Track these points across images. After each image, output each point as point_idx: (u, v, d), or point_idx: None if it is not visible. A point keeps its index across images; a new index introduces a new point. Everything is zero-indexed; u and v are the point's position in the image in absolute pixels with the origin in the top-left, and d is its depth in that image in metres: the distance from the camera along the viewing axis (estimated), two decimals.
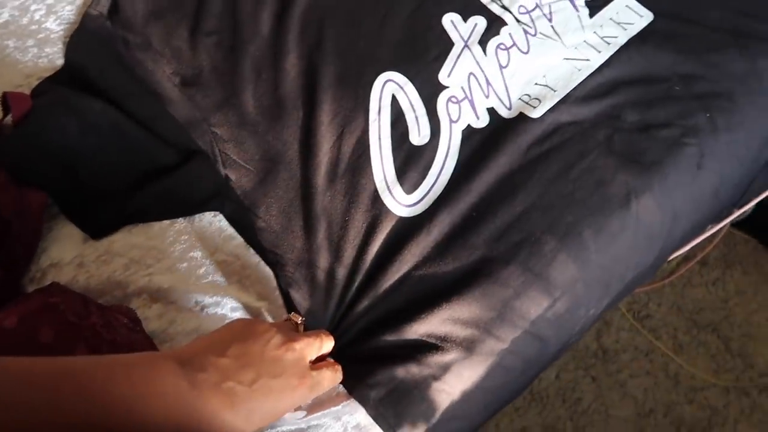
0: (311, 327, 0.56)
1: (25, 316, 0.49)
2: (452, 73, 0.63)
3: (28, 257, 0.57)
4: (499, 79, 0.63)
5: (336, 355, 0.54)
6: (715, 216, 0.69)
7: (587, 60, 0.63)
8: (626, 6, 0.64)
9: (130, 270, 0.58)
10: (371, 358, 0.56)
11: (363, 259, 0.58)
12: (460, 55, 0.63)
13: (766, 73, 0.61)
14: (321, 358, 0.51)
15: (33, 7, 0.69)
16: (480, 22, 0.65)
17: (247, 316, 0.57)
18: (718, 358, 1.15)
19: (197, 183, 0.61)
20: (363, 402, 0.55)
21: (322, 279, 0.58)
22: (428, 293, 0.56)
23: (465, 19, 0.65)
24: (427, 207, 0.59)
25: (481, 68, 0.63)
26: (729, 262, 1.23)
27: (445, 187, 0.60)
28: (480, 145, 0.61)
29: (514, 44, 0.64)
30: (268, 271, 0.59)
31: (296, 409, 0.53)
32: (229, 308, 0.57)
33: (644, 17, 0.64)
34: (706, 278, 1.23)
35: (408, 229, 0.58)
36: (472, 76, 0.63)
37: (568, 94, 0.61)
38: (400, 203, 0.59)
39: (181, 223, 0.61)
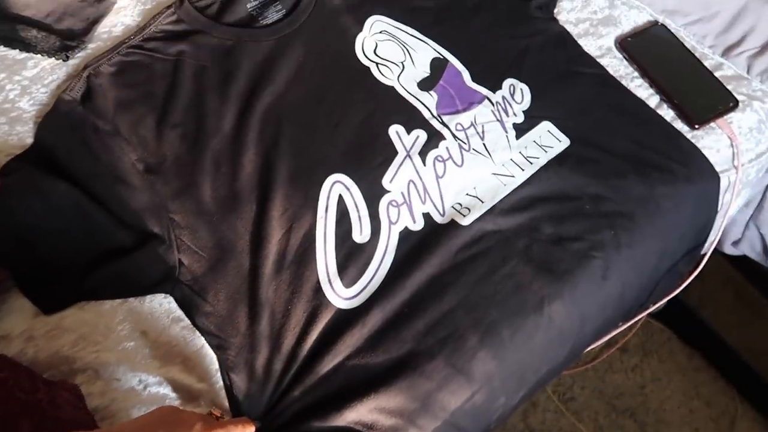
0: (248, 409, 0.60)
1: None
2: (394, 179, 0.70)
3: None
4: (435, 188, 0.71)
5: None
6: (622, 316, 0.77)
7: (512, 176, 0.71)
8: (548, 131, 0.74)
9: (78, 346, 0.61)
10: None
11: (301, 347, 0.62)
12: (402, 163, 0.71)
13: (662, 199, 0.71)
14: None
15: (8, 87, 0.73)
16: (421, 135, 0.73)
17: (188, 397, 0.61)
18: None
19: (151, 266, 0.65)
20: None
21: (261, 364, 0.62)
22: (359, 382, 0.61)
23: (408, 132, 0.73)
24: (363, 301, 0.65)
25: (420, 176, 0.71)
26: (647, 350, 1.33)
27: (381, 283, 0.65)
28: (415, 246, 0.67)
29: (450, 157, 0.72)
30: (211, 354, 0.63)
31: None
32: (170, 389, 0.61)
33: (562, 142, 0.73)
34: (626, 364, 1.31)
35: (344, 320, 0.63)
36: (411, 183, 0.70)
37: (494, 205, 0.69)
38: (339, 296, 0.65)
39: (131, 302, 0.64)
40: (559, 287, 0.66)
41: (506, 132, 0.74)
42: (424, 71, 0.77)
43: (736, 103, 0.78)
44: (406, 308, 0.64)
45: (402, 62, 0.77)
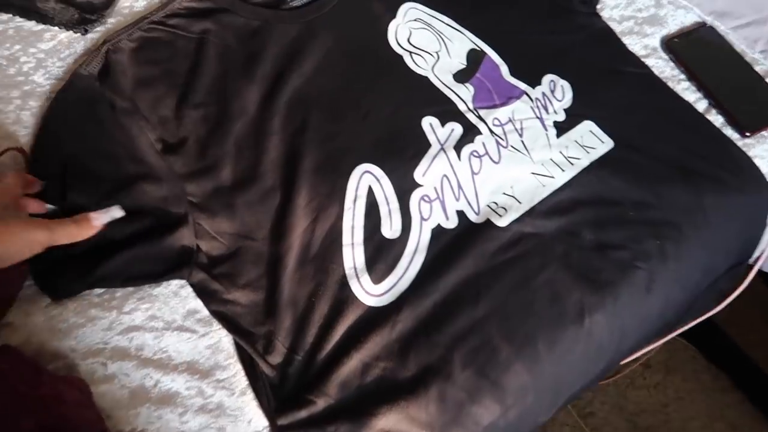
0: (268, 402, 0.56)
1: None
2: (427, 173, 0.66)
3: None
4: (470, 185, 0.66)
5: None
6: (658, 333, 0.73)
7: (552, 177, 0.67)
8: (590, 131, 0.70)
9: (87, 337, 0.57)
10: None
11: (326, 341, 0.59)
12: (435, 156, 0.67)
13: (711, 210, 0.66)
14: None
15: (23, 59, 0.70)
16: (456, 129, 0.69)
17: (201, 394, 0.57)
18: None
19: (167, 250, 0.61)
20: None
21: (282, 356, 0.58)
22: (389, 388, 0.57)
23: (443, 124, 0.69)
24: (393, 299, 0.60)
25: (454, 171, 0.67)
26: (670, 368, 1.28)
27: (412, 283, 0.61)
28: (448, 245, 0.63)
29: (487, 153, 0.68)
30: (228, 348, 0.59)
31: None
32: (184, 386, 0.57)
33: (605, 144, 0.69)
34: (648, 381, 1.27)
35: (373, 319, 0.59)
36: (445, 178, 0.66)
37: (532, 207, 0.65)
38: (367, 292, 0.61)
39: (144, 290, 0.60)
40: (601, 298, 0.61)
41: (546, 130, 0.70)
42: (460, 62, 0.73)
43: None
44: (438, 311, 0.60)
45: (437, 52, 0.73)
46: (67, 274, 0.58)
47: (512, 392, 0.58)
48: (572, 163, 0.68)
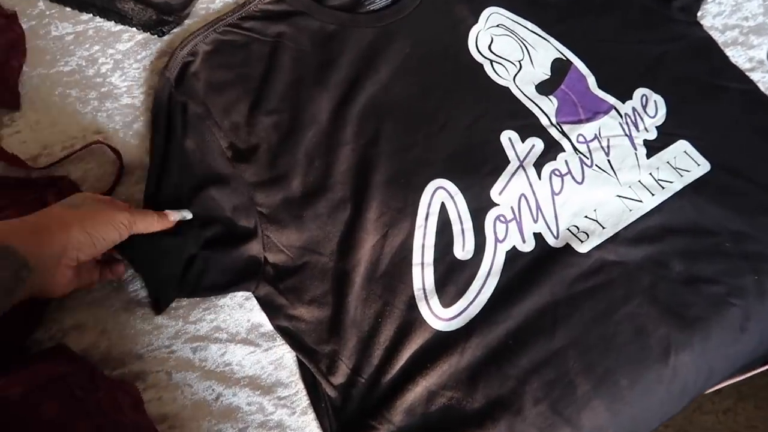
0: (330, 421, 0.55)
1: (31, 388, 0.48)
2: (504, 191, 0.63)
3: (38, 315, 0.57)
4: (550, 206, 0.63)
5: None
6: (745, 368, 0.67)
7: (640, 201, 0.62)
8: (685, 152, 0.64)
9: (152, 345, 0.57)
10: None
11: (391, 365, 0.57)
12: (514, 174, 0.63)
13: None
14: None
15: (101, 60, 0.70)
16: (537, 144, 0.65)
17: (262, 410, 0.56)
18: None
19: (236, 261, 0.60)
20: None
21: (345, 375, 0.57)
22: (454, 418, 0.55)
23: (523, 139, 0.65)
24: (462, 324, 0.58)
25: (533, 191, 0.63)
26: (743, 394, 1.20)
27: (483, 308, 0.58)
28: (523, 270, 0.60)
29: (569, 172, 0.64)
30: (290, 365, 0.58)
31: None
32: (245, 401, 0.56)
33: (701, 166, 0.64)
34: (717, 406, 1.19)
35: (441, 344, 0.57)
36: (523, 198, 0.63)
37: (616, 233, 0.61)
38: (436, 315, 0.58)
39: (211, 300, 0.60)
40: (689, 336, 0.57)
41: (635, 149, 0.65)
42: (544, 73, 0.69)
43: None
44: (510, 340, 0.57)
45: (519, 61, 0.69)
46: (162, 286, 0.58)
47: (588, 431, 0.54)
48: (663, 187, 0.63)
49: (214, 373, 0.56)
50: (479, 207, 0.62)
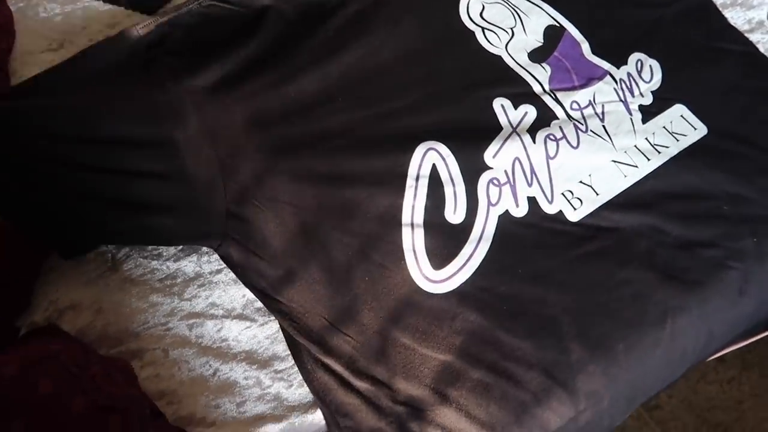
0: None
1: (27, 364, 0.48)
2: (498, 155, 0.62)
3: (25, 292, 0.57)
4: (545, 170, 0.62)
5: None
6: (746, 334, 0.67)
7: (635, 166, 0.61)
8: (681, 116, 0.63)
9: (149, 323, 0.57)
10: None
11: (381, 325, 0.56)
12: (508, 138, 0.62)
13: None
14: None
15: (90, 40, 0.69)
16: (531, 111, 0.64)
17: (258, 384, 0.56)
18: None
19: (192, 212, 0.57)
20: None
21: (332, 340, 0.56)
22: (447, 383, 0.54)
23: (516, 107, 0.64)
24: (454, 287, 0.57)
25: (527, 155, 0.62)
26: (747, 363, 1.20)
27: (476, 272, 0.58)
28: (516, 235, 0.59)
29: (564, 137, 0.63)
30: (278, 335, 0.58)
31: None
32: (242, 376, 0.56)
33: (698, 130, 0.63)
34: (722, 376, 1.19)
35: (432, 308, 0.56)
36: (517, 162, 0.62)
37: (611, 199, 0.60)
38: (426, 277, 0.57)
39: (206, 277, 0.60)
40: (687, 300, 0.56)
41: (631, 114, 0.64)
42: (537, 40, 0.68)
43: None
44: (504, 306, 0.56)
45: (511, 28, 0.68)
46: (74, 228, 0.56)
47: (584, 396, 0.54)
48: (659, 152, 0.62)
49: (211, 349, 0.57)
50: (472, 169, 0.60)
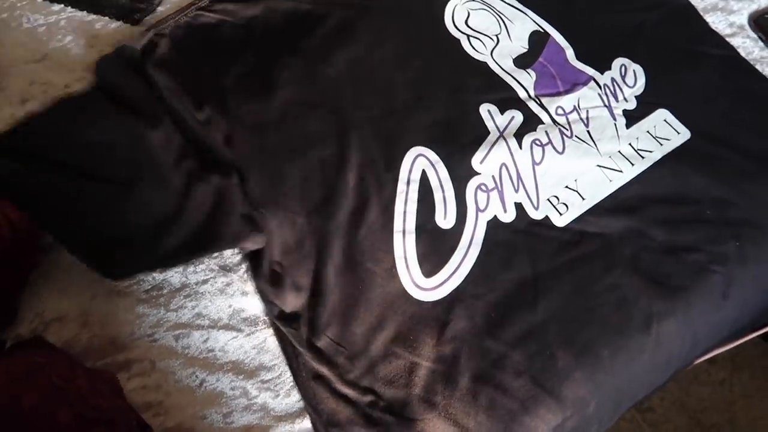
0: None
1: (11, 378, 0.48)
2: (485, 160, 0.62)
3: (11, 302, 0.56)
4: (531, 175, 0.62)
5: None
6: (732, 337, 0.67)
7: (620, 171, 0.62)
8: (664, 120, 0.64)
9: (135, 334, 0.57)
10: None
11: (372, 334, 0.56)
12: (494, 143, 0.63)
13: None
14: None
15: (75, 51, 0.69)
16: (517, 116, 0.64)
17: (245, 395, 0.56)
18: None
19: (225, 218, 0.58)
20: None
21: (325, 346, 0.56)
22: (436, 391, 0.54)
23: (502, 112, 0.64)
24: (445, 295, 0.57)
25: (514, 160, 0.62)
26: (737, 364, 1.21)
27: (465, 279, 0.58)
28: (504, 241, 0.59)
29: (550, 142, 0.63)
30: (272, 345, 0.58)
31: None
32: (229, 386, 0.56)
33: (681, 134, 0.63)
34: (714, 377, 1.20)
35: (423, 315, 0.56)
36: (504, 167, 0.62)
37: (596, 204, 0.60)
38: (417, 285, 0.58)
39: (191, 287, 0.60)
40: (671, 304, 0.57)
41: (614, 119, 0.64)
42: (522, 46, 0.68)
43: None
44: (492, 313, 0.56)
45: (497, 35, 0.69)
46: (124, 249, 0.56)
47: (571, 403, 0.54)
48: (643, 156, 0.62)
49: (197, 360, 0.56)
50: (461, 175, 0.61)
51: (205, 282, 0.60)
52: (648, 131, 0.64)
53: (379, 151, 0.61)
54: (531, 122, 0.64)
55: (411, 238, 0.59)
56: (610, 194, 0.61)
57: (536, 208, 0.61)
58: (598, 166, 0.62)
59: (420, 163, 0.61)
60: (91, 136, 0.59)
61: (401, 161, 0.61)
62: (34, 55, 0.68)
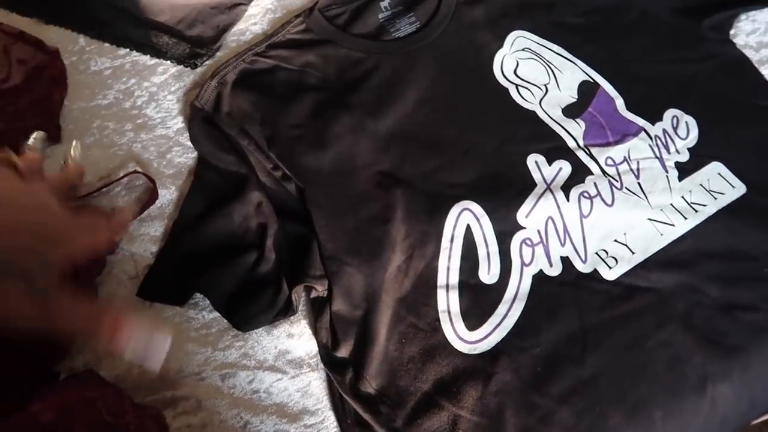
0: None
1: (63, 411, 0.49)
2: (531, 214, 0.62)
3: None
4: (578, 229, 0.62)
5: None
6: None
7: (672, 225, 0.61)
8: (718, 174, 0.63)
9: (183, 372, 0.58)
10: None
11: (416, 386, 0.56)
12: (541, 196, 0.63)
13: None
14: None
15: (137, 93, 0.72)
16: (565, 167, 0.64)
17: None
18: None
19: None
20: None
21: (369, 396, 0.57)
22: None
23: (550, 162, 0.64)
24: (489, 348, 0.57)
25: (561, 214, 0.62)
26: None
27: (510, 332, 0.58)
28: (551, 295, 0.59)
29: (599, 194, 0.63)
30: (316, 390, 0.58)
31: None
32: (272, 429, 0.56)
33: (736, 189, 0.62)
34: None
35: (467, 368, 0.56)
36: (550, 221, 0.62)
37: (647, 258, 0.59)
38: (461, 338, 0.58)
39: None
40: (728, 365, 0.55)
41: (666, 171, 0.63)
42: (571, 96, 0.68)
43: None
44: (539, 367, 0.56)
45: (545, 84, 0.69)
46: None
47: None
48: (696, 210, 0.61)
49: (242, 401, 0.57)
50: (505, 230, 0.61)
51: None
52: (701, 184, 0.62)
53: (425, 207, 0.62)
54: (579, 173, 0.64)
55: (454, 293, 0.59)
56: (662, 248, 0.60)
57: (584, 262, 0.60)
58: (648, 219, 0.61)
59: (465, 217, 0.62)
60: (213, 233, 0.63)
61: (446, 217, 0.62)
62: (99, 97, 0.71)
